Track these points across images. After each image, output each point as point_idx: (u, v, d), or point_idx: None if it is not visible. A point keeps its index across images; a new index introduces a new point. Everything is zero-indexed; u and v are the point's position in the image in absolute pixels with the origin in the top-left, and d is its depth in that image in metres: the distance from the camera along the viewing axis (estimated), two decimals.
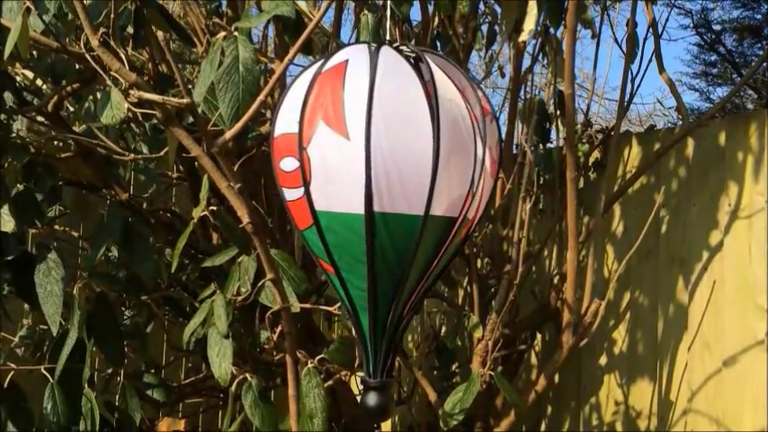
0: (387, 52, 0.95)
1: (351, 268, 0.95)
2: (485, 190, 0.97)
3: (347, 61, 0.93)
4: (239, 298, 1.28)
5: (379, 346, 0.94)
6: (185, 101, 1.03)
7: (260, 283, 1.25)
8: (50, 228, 1.75)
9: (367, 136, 0.88)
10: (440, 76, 0.94)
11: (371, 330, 0.95)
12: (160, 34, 1.80)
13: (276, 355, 1.43)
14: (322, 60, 0.96)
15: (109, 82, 1.18)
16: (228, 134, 1.10)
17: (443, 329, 2.34)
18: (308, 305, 1.32)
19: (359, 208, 0.90)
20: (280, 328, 1.33)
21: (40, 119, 1.61)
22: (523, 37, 1.50)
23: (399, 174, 0.89)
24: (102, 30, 1.07)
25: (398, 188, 0.89)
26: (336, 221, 0.93)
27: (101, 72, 1.13)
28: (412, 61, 0.94)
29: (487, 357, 1.54)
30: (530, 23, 1.49)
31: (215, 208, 1.15)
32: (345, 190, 0.91)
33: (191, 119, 1.28)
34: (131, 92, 1.04)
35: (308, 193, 0.95)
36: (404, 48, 0.97)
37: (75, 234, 1.96)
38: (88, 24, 1.07)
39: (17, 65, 1.55)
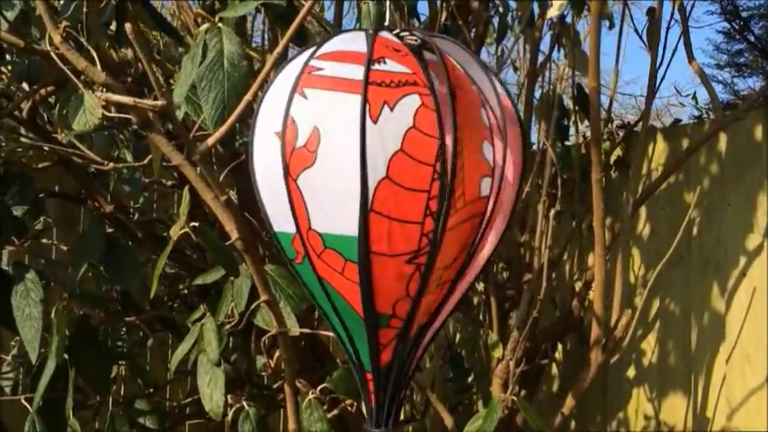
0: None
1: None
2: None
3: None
4: (232, 322, 1.15)
5: (379, 391, 0.79)
6: (159, 103, 0.90)
7: (253, 305, 1.11)
8: (37, 243, 1.63)
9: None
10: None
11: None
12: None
13: (275, 381, 1.30)
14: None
15: (79, 84, 1.05)
16: (211, 139, 0.97)
17: (457, 338, 2.22)
18: (307, 330, 1.18)
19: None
20: (278, 353, 1.20)
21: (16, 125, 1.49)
22: (553, 11, 1.37)
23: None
24: (64, 24, 0.94)
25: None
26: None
27: (68, 72, 1.00)
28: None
29: (509, 380, 1.39)
30: None
31: (197, 224, 1.01)
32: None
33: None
34: (98, 94, 0.91)
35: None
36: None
37: (65, 248, 1.83)
38: (48, 18, 0.94)
39: None
